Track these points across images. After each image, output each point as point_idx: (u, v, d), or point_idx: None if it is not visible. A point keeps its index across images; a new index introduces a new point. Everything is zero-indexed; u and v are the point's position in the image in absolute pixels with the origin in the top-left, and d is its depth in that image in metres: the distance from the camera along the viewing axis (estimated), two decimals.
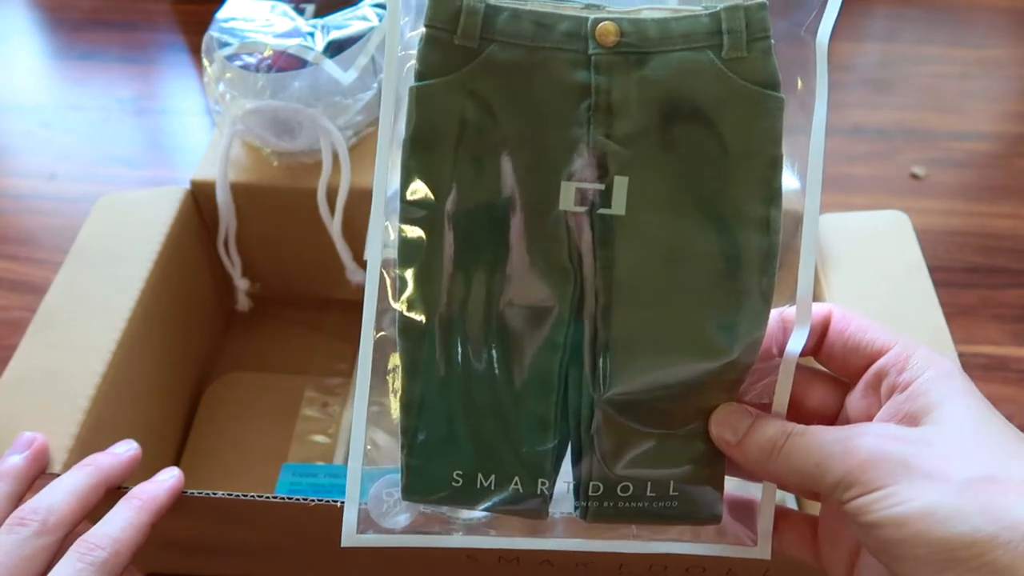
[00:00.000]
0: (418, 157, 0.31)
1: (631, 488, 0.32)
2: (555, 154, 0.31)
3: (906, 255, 0.47)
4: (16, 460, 0.37)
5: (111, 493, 0.37)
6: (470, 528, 0.35)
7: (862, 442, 0.27)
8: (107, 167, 0.78)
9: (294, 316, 0.62)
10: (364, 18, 0.52)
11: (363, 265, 0.55)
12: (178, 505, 0.37)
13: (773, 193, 0.31)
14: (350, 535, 0.33)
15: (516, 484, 0.32)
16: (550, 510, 0.33)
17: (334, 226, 0.52)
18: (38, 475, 0.38)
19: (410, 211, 0.31)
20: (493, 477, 0.32)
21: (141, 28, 0.95)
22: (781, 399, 0.32)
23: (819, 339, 0.32)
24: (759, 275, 0.31)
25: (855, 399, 0.32)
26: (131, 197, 0.51)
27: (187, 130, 0.83)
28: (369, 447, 0.56)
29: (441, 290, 0.31)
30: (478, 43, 0.30)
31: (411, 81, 0.31)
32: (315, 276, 0.59)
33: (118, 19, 0.97)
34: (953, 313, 0.43)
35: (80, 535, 0.34)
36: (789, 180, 0.32)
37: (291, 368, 0.59)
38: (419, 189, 0.31)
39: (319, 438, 0.55)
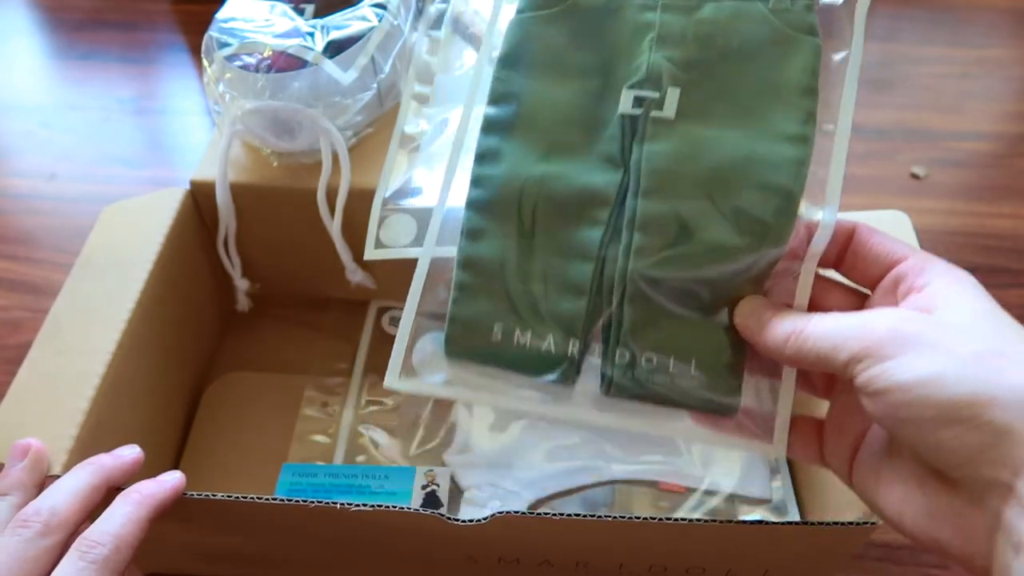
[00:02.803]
0: (506, 71, 0.38)
1: (654, 361, 0.35)
2: (621, 74, 0.36)
3: None
4: (17, 471, 0.37)
5: (112, 494, 0.37)
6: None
7: (878, 322, 0.29)
8: (107, 167, 0.78)
9: (294, 316, 0.62)
10: (364, 18, 0.52)
11: (363, 265, 0.55)
12: (178, 507, 0.37)
13: (807, 116, 0.35)
14: (393, 379, 0.37)
15: (549, 343, 0.35)
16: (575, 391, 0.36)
17: (334, 226, 0.52)
18: (40, 480, 0.37)
19: (492, 116, 0.37)
20: (530, 333, 0.35)
21: (141, 28, 0.95)
22: (803, 294, 0.34)
23: (842, 249, 0.34)
24: (791, 178, 0.34)
25: (874, 301, 0.33)
26: (134, 203, 0.51)
27: (187, 130, 0.83)
28: (369, 446, 0.56)
29: (509, 174, 0.36)
30: None
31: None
32: (315, 276, 0.59)
33: (118, 19, 0.97)
34: None
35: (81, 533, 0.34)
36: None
37: (291, 368, 0.59)
38: (503, 98, 0.37)
39: (319, 438, 0.55)
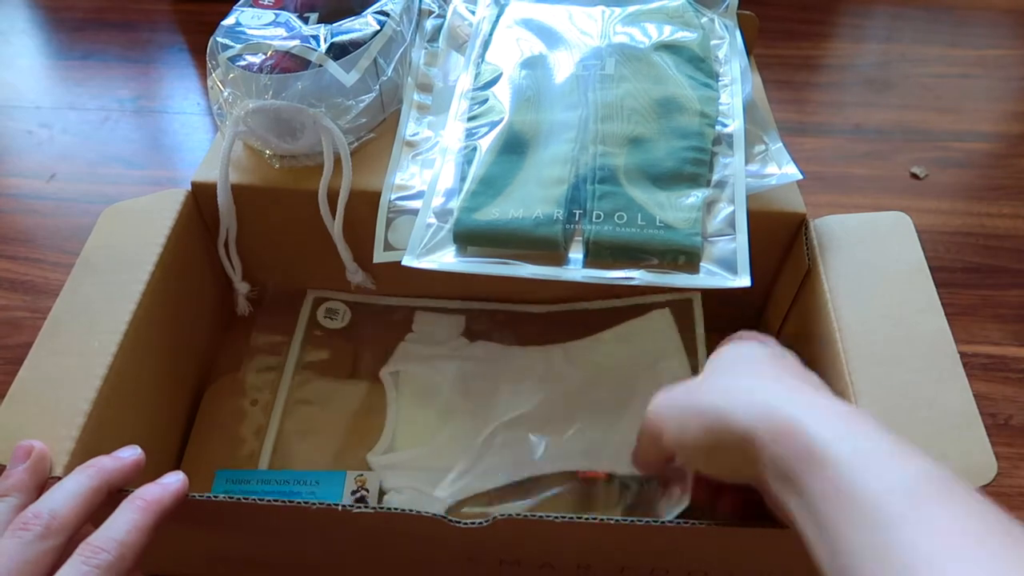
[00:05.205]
0: (491, 56, 0.55)
1: (625, 217, 0.44)
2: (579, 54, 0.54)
3: (908, 257, 0.47)
4: (19, 472, 0.37)
5: (114, 496, 0.36)
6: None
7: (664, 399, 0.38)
8: (107, 167, 0.78)
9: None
10: (367, 24, 0.52)
11: (364, 266, 0.55)
12: (180, 508, 0.37)
13: (710, 72, 0.52)
14: (410, 259, 0.45)
15: (538, 213, 0.45)
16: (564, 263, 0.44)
17: (335, 227, 0.52)
18: (42, 482, 0.37)
19: (484, 83, 0.54)
20: (522, 210, 0.45)
21: (141, 28, 0.95)
22: None
23: None
24: (706, 105, 0.50)
25: None
26: (135, 204, 0.51)
27: (187, 130, 0.83)
28: (297, 447, 0.55)
29: (505, 112, 0.51)
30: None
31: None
32: (316, 277, 0.59)
33: (118, 19, 0.97)
34: (953, 313, 0.43)
35: (84, 538, 0.34)
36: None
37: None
38: (490, 70, 0.54)
39: (247, 438, 0.54)
